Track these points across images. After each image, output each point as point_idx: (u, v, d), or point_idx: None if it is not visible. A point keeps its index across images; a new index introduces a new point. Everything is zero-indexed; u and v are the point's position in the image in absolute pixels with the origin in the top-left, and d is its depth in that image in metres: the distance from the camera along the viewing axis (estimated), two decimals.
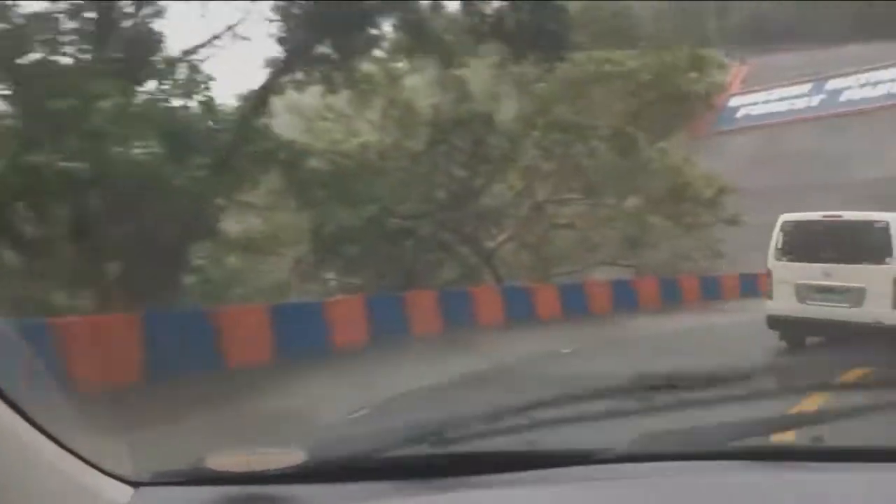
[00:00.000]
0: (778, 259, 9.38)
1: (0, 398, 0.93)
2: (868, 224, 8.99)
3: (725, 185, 21.55)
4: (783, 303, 9.20)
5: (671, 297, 17.67)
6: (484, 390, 6.99)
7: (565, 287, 16.27)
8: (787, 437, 1.31)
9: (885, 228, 8.69)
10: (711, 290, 18.97)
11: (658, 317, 15.70)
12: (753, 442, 1.24)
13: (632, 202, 21.01)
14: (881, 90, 49.33)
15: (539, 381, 7.19)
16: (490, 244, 19.92)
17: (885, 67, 49.77)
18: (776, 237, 9.41)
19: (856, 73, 51.25)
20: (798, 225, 9.33)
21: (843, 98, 51.32)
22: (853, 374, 8.42)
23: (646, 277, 19.47)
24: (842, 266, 8.88)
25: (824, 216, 9.45)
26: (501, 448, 1.25)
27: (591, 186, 18.05)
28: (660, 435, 1.24)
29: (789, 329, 9.38)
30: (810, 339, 9.62)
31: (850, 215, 9.43)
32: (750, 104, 58.01)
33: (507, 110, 16.25)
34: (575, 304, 15.08)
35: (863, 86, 50.73)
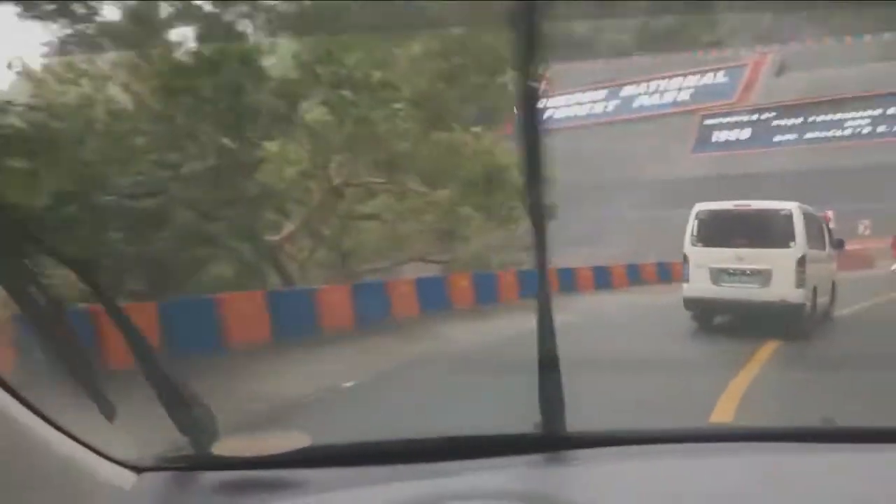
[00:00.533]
0: (694, 245, 9.70)
1: (2, 387, 0.95)
2: (774, 212, 9.47)
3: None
4: (699, 285, 9.51)
5: (488, 296, 14.74)
6: None
7: (360, 288, 12.53)
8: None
9: (789, 216, 9.24)
10: (531, 287, 16.27)
11: (474, 321, 12.63)
12: (726, 424, 2.03)
13: (442, 192, 17.94)
14: (667, 98, 51.83)
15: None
16: (272, 237, 15.75)
17: (668, 78, 52.41)
18: (691, 225, 9.71)
19: (645, 81, 53.57)
20: (711, 213, 9.72)
21: (635, 104, 53.42)
22: (768, 348, 8.05)
23: (458, 274, 16.42)
24: (752, 250, 9.30)
25: (735, 205, 9.83)
26: (499, 432, 1.26)
27: (395, 165, 14.51)
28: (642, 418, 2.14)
29: (703, 309, 9.73)
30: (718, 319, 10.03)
31: (758, 204, 9.93)
32: (553, 107, 58.88)
33: (280, 56, 12.15)
34: (372, 310, 11.44)
35: (651, 94, 53.12)
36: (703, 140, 47.61)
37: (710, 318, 9.82)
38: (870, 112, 39.84)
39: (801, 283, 8.98)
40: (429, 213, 18.70)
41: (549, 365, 1.21)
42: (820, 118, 41.55)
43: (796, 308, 8.91)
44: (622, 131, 51.50)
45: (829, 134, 41.03)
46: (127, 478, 1.11)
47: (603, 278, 18.86)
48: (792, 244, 9.13)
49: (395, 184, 17.24)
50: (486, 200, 18.08)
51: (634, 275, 19.74)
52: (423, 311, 13.01)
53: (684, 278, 9.77)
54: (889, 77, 39.79)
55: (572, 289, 17.41)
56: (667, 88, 51.98)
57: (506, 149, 20.64)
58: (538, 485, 1.15)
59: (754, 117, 45.12)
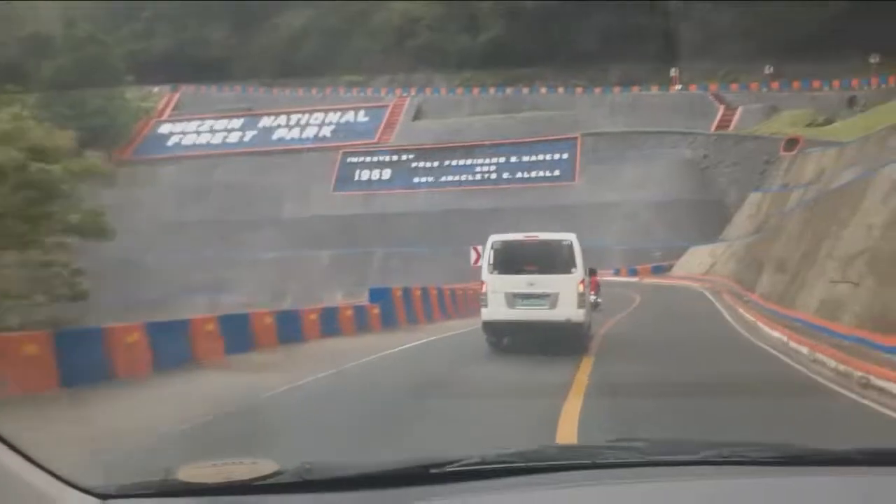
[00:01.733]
0: (491, 273, 10.03)
1: None
2: (558, 242, 10.13)
3: (64, 146, 10.50)
4: (496, 308, 9.91)
5: None
6: None
7: None
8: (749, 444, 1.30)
9: (570, 245, 9.96)
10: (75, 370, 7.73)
11: None
12: (723, 450, 1.25)
13: None
14: (309, 133, 46.88)
15: None
16: None
17: (310, 112, 47.87)
18: (488, 254, 10.11)
19: (286, 113, 48.02)
20: (505, 244, 10.15)
21: (275, 136, 47.21)
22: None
23: None
24: (541, 276, 9.86)
25: (525, 237, 10.45)
26: (461, 458, 1.21)
27: None
28: (633, 442, 1.33)
29: (499, 330, 10.18)
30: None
31: (544, 236, 10.55)
32: (181, 133, 49.33)
33: None
34: None
35: (292, 127, 47.69)
36: (345, 178, 43.67)
37: (501, 338, 10.17)
38: (495, 160, 40.53)
39: (581, 303, 9.70)
40: None
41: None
42: (454, 163, 40.99)
43: (578, 326, 9.70)
44: (260, 164, 44.88)
45: (462, 178, 40.61)
46: None
47: (238, 338, 10.76)
48: (573, 270, 9.73)
49: None
50: None
51: (293, 327, 12.15)
52: None
53: (482, 303, 9.98)
54: (508, 127, 41.19)
55: (183, 358, 9.25)
56: (308, 123, 47.14)
57: (24, 128, 11.94)
58: None
59: (394, 158, 42.87)
